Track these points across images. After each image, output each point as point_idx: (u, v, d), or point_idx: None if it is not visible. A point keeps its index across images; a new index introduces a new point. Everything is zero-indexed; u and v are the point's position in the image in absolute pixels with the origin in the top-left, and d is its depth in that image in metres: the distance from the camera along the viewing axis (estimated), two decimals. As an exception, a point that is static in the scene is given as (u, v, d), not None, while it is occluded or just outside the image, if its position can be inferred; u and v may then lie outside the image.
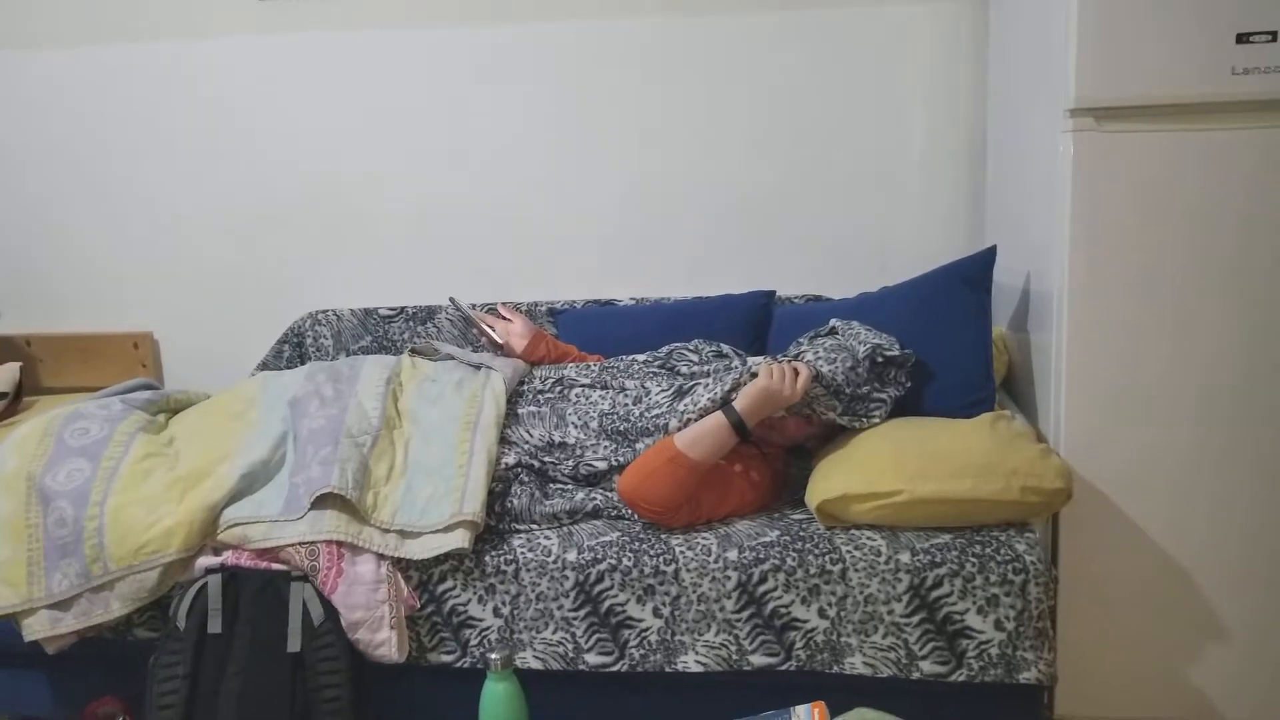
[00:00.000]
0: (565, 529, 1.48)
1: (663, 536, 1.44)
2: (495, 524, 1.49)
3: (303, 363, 2.12)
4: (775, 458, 1.58)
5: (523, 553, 1.44)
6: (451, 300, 1.99)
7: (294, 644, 1.32)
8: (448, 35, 2.10)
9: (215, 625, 1.33)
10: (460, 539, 1.41)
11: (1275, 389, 1.44)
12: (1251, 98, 1.38)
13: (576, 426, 1.58)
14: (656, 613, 1.40)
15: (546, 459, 1.56)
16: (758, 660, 1.38)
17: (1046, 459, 1.39)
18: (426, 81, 2.13)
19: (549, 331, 2.04)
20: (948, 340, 1.58)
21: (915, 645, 1.35)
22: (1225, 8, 1.36)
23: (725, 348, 1.70)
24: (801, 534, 1.41)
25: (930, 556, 1.35)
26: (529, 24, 2.08)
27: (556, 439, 1.58)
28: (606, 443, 1.56)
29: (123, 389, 1.76)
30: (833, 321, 1.62)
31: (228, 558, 1.40)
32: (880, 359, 1.52)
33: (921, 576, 1.34)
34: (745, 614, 1.38)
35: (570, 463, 1.56)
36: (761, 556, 1.38)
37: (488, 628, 1.43)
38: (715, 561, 1.39)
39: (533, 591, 1.42)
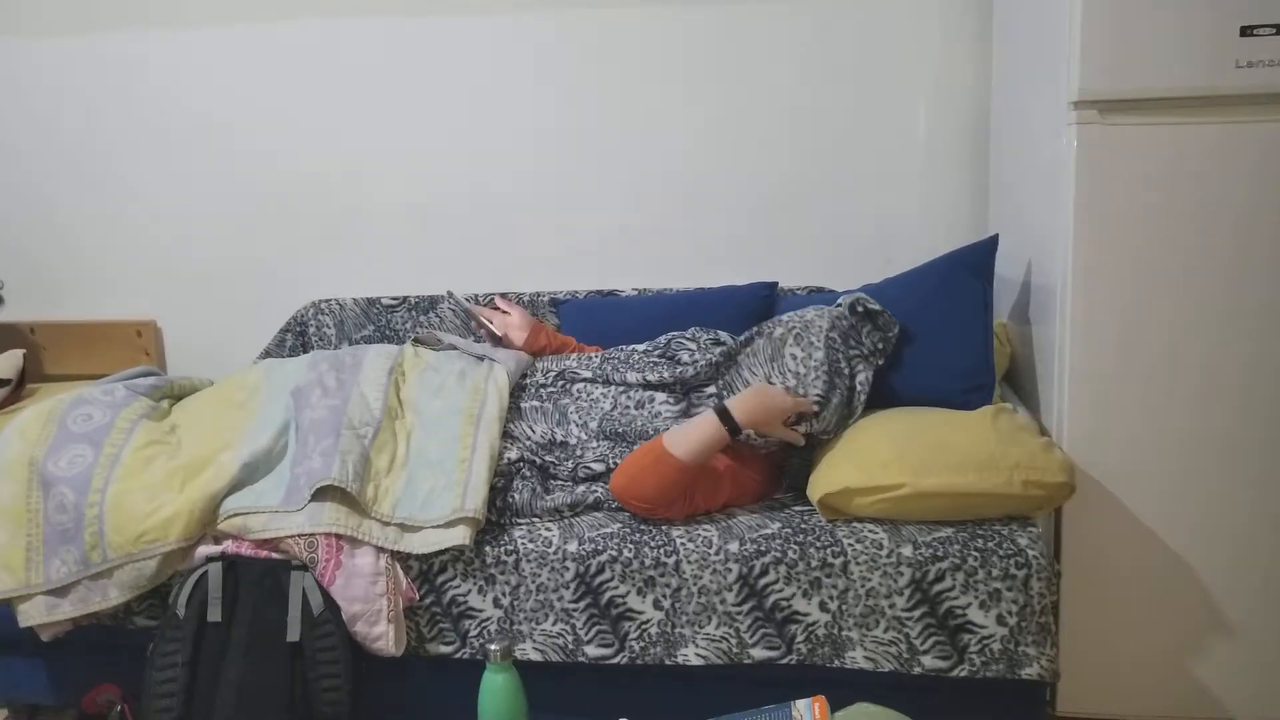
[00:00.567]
0: (566, 521, 1.48)
1: (664, 528, 1.43)
2: (496, 519, 1.48)
3: (305, 352, 2.11)
4: (771, 450, 1.58)
5: (523, 543, 1.43)
6: (449, 294, 1.98)
7: (293, 633, 1.32)
8: (453, 25, 2.10)
9: (215, 614, 1.33)
10: (461, 535, 1.41)
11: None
12: (1256, 91, 1.37)
13: (578, 425, 1.58)
14: (657, 605, 1.39)
15: (547, 458, 1.56)
16: (758, 654, 1.38)
17: (1049, 453, 1.39)
18: (431, 71, 2.12)
19: (551, 322, 2.03)
20: (949, 326, 1.57)
21: (917, 640, 1.35)
22: (1230, 0, 1.35)
23: (723, 335, 1.69)
24: (803, 526, 1.41)
25: (932, 550, 1.35)
26: (533, 14, 2.07)
27: (558, 437, 1.57)
28: (605, 443, 1.56)
29: (126, 377, 1.76)
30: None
31: (228, 546, 1.40)
32: (844, 330, 1.51)
33: (923, 570, 1.34)
34: (746, 607, 1.37)
35: (569, 464, 1.55)
36: (763, 549, 1.38)
37: (487, 619, 1.43)
38: (716, 554, 1.38)
39: (533, 582, 1.42)
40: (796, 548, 1.37)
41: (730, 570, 1.37)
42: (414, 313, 2.10)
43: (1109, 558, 1.50)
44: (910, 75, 1.99)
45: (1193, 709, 1.52)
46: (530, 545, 1.43)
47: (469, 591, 1.43)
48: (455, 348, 1.80)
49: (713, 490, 1.48)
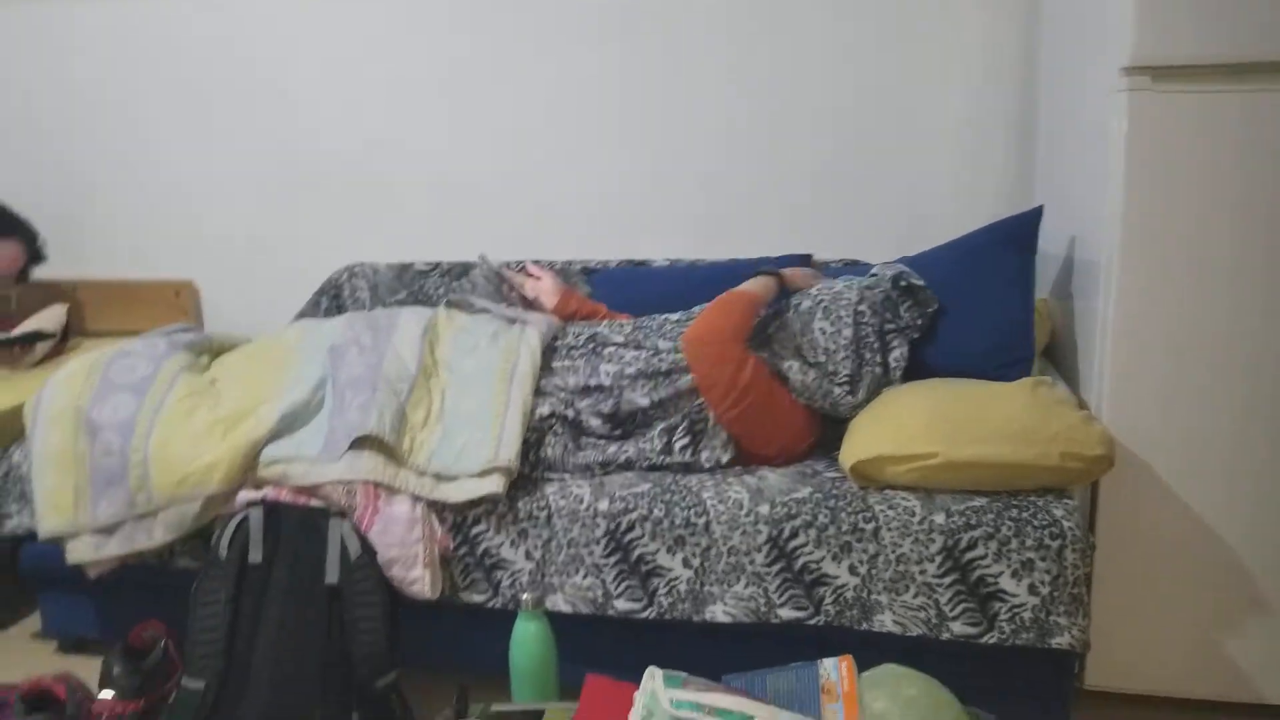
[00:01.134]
0: (597, 479, 1.49)
1: (693, 489, 1.44)
2: (529, 472, 1.50)
3: (340, 314, 2.14)
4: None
5: (555, 500, 1.45)
6: (482, 257, 2.00)
7: (332, 575, 1.35)
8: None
9: (256, 555, 1.36)
10: (495, 484, 1.43)
11: (1329, 362, 1.40)
12: (1320, 58, 1.33)
13: (610, 375, 1.59)
14: (686, 563, 1.40)
15: (583, 403, 1.56)
16: (786, 614, 1.38)
17: (1089, 425, 1.37)
18: (467, 42, 2.13)
19: (583, 291, 2.04)
20: (989, 298, 1.55)
21: (946, 606, 1.35)
22: (1297, -39, 1.31)
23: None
24: (834, 492, 1.41)
25: (965, 519, 1.34)
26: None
27: (592, 384, 1.58)
28: (645, 382, 1.56)
29: (167, 332, 1.80)
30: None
31: (268, 493, 1.43)
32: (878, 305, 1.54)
33: (956, 538, 1.34)
34: (775, 568, 1.38)
35: (610, 401, 1.55)
36: (793, 512, 1.38)
37: (519, 570, 1.45)
38: (747, 515, 1.39)
39: (564, 537, 1.43)
40: (828, 512, 1.37)
41: (760, 531, 1.38)
42: (446, 279, 2.12)
43: (1144, 533, 1.49)
44: (953, 43, 1.96)
45: (1223, 689, 1.50)
46: (562, 502, 1.44)
47: (502, 544, 1.45)
48: (488, 311, 1.82)
49: (774, 421, 1.52)
